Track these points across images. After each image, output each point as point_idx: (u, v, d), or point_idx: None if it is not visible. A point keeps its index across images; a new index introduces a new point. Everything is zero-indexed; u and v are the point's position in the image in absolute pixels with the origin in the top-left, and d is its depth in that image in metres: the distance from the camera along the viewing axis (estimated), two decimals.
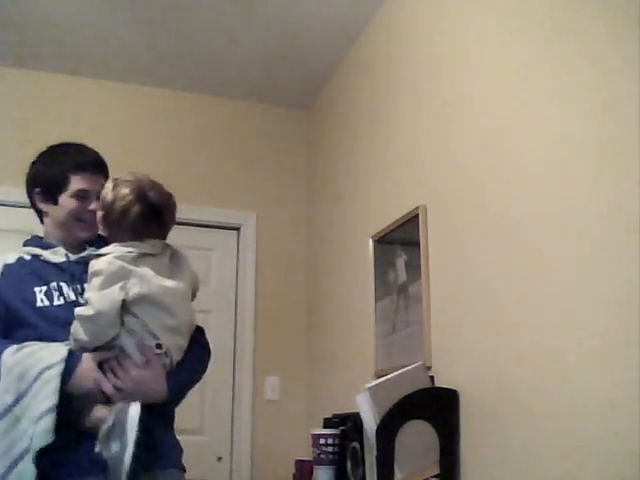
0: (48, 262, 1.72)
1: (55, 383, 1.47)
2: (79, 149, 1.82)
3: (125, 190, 1.64)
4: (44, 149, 1.83)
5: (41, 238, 1.80)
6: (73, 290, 1.68)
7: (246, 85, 3.58)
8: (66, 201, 1.74)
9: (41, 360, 1.50)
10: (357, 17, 2.98)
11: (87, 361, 1.54)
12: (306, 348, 3.49)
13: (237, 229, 3.60)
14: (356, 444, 2.26)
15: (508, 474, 1.75)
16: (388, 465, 1.87)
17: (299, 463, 2.76)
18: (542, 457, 1.63)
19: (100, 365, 1.55)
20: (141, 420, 1.46)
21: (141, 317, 1.58)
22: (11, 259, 1.72)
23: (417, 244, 2.30)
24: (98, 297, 1.53)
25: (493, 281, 1.90)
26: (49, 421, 1.43)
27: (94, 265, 1.59)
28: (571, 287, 1.58)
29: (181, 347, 1.66)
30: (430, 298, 2.22)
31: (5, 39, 3.14)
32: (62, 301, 1.65)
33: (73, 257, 1.74)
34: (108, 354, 1.56)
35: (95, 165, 1.79)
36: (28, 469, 1.41)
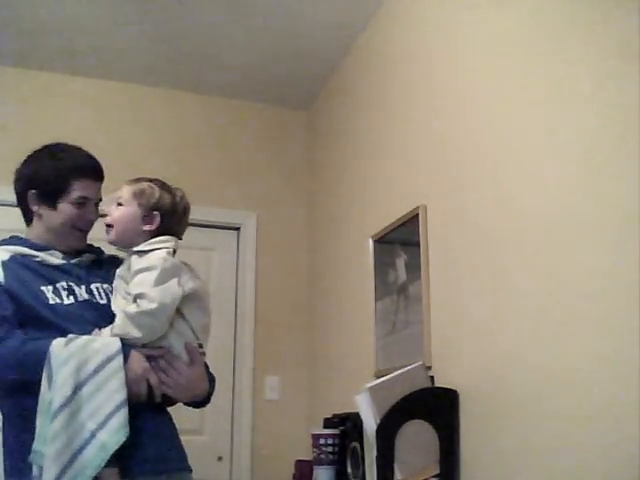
0: (46, 264, 1.67)
1: (121, 376, 1.48)
2: (79, 153, 1.77)
3: (177, 192, 1.75)
4: (39, 148, 1.77)
5: (25, 239, 1.74)
6: (86, 290, 1.67)
7: (246, 85, 3.58)
8: (66, 208, 1.70)
9: (98, 352, 1.49)
10: (356, 18, 2.97)
11: (136, 354, 1.55)
12: (306, 348, 3.48)
13: (237, 229, 3.60)
14: (356, 444, 2.26)
15: (508, 474, 1.75)
16: (388, 465, 1.87)
17: (299, 463, 2.76)
18: (542, 457, 1.63)
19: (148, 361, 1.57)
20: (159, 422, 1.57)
21: (187, 316, 1.62)
22: (4, 256, 1.65)
23: (417, 244, 2.30)
24: (159, 291, 1.54)
25: (493, 281, 1.90)
26: (123, 415, 1.45)
27: (143, 261, 1.60)
28: (571, 287, 1.58)
29: (205, 342, 1.72)
30: (430, 298, 2.22)
31: (5, 39, 3.14)
32: (72, 300, 1.63)
33: (73, 260, 1.72)
34: (155, 351, 1.58)
35: (96, 171, 1.77)
36: (93, 461, 1.42)
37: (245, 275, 3.51)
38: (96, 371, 1.47)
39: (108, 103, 3.50)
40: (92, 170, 1.76)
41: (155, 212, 1.69)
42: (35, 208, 1.73)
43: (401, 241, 2.49)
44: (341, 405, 2.64)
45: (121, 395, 1.46)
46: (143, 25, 3.07)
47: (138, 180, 1.74)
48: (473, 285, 1.99)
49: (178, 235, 1.74)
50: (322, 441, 2.44)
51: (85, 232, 1.76)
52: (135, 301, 1.55)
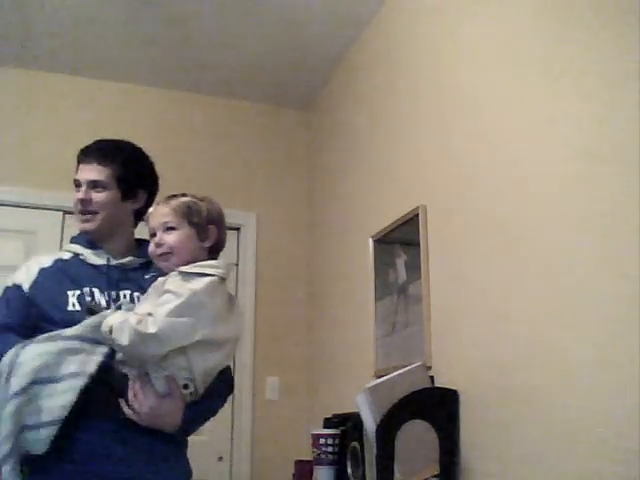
0: (88, 263, 1.69)
1: (72, 396, 1.45)
2: (89, 144, 1.79)
3: (212, 200, 1.69)
4: None
5: (84, 236, 1.75)
6: (107, 296, 1.64)
7: (246, 85, 3.58)
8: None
9: (72, 362, 1.48)
10: (357, 17, 2.97)
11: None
12: (306, 348, 3.48)
13: (237, 229, 3.60)
14: (356, 444, 2.26)
15: (508, 474, 1.75)
16: (388, 465, 1.87)
17: (299, 463, 2.76)
18: (542, 457, 1.62)
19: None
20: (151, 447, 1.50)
21: (189, 354, 1.50)
22: (48, 262, 1.68)
23: (417, 244, 2.30)
24: (167, 322, 1.44)
25: (493, 281, 1.90)
26: (51, 432, 1.43)
27: (179, 284, 1.49)
28: (572, 287, 1.58)
29: (207, 383, 1.60)
30: (430, 298, 2.22)
31: (6, 39, 3.14)
32: None
33: (114, 261, 1.71)
34: (131, 372, 1.51)
35: (85, 153, 1.75)
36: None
37: (245, 275, 3.51)
38: (59, 380, 1.46)
39: (108, 103, 3.50)
40: (82, 153, 1.75)
41: (210, 226, 1.62)
42: None
43: (401, 241, 2.49)
44: (341, 405, 2.64)
45: (62, 412, 1.44)
46: (143, 25, 3.07)
47: (173, 197, 1.66)
48: (473, 285, 1.99)
49: (224, 245, 1.68)
50: (322, 441, 2.44)
51: (83, 213, 1.71)
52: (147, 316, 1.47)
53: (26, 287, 1.63)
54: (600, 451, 1.45)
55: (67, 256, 1.72)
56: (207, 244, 1.61)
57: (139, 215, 1.82)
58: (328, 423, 2.60)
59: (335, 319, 3.15)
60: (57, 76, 3.43)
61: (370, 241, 2.72)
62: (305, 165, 3.77)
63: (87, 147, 1.78)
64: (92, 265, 1.69)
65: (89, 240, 1.73)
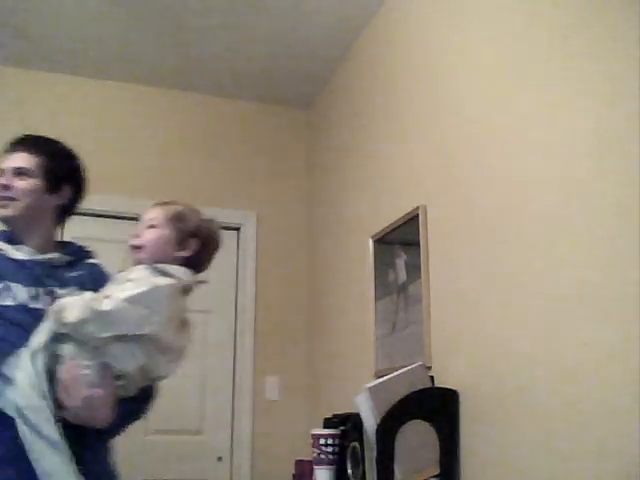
0: (8, 257, 1.61)
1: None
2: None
3: (216, 223, 1.65)
4: None
5: (6, 232, 1.68)
6: (27, 292, 1.56)
7: (246, 85, 3.58)
8: None
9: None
10: (357, 17, 2.98)
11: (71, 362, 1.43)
12: (306, 348, 3.48)
13: (237, 229, 3.60)
14: (356, 444, 2.26)
15: (508, 474, 1.75)
16: (388, 465, 1.87)
17: (299, 463, 2.76)
18: (542, 457, 1.62)
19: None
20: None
21: (131, 349, 1.45)
22: None
23: (417, 244, 2.30)
24: (123, 306, 1.40)
25: (493, 281, 1.90)
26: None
27: (144, 275, 1.46)
28: (572, 287, 1.58)
29: (139, 385, 1.54)
30: (430, 298, 2.22)
31: (5, 39, 3.14)
32: (10, 302, 1.54)
33: (39, 257, 1.63)
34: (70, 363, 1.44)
35: (12, 144, 1.71)
36: None
37: (245, 275, 3.51)
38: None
39: (108, 103, 3.50)
40: (11, 144, 1.71)
41: (193, 239, 1.58)
42: None
43: (401, 241, 2.49)
44: (341, 405, 2.64)
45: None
46: (143, 25, 3.07)
47: (172, 202, 1.63)
48: (473, 285, 1.99)
49: (203, 268, 1.64)
50: (322, 441, 2.44)
51: (3, 199, 1.63)
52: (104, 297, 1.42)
53: None
54: (600, 451, 1.45)
55: None
56: (183, 254, 1.57)
57: (63, 213, 1.75)
58: (328, 423, 2.59)
59: (335, 319, 3.15)
60: (57, 76, 3.43)
61: (370, 241, 2.72)
62: (305, 165, 3.77)
63: (17, 138, 1.73)
64: (13, 259, 1.61)
65: (8, 236, 1.66)
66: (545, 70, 1.76)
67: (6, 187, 1.64)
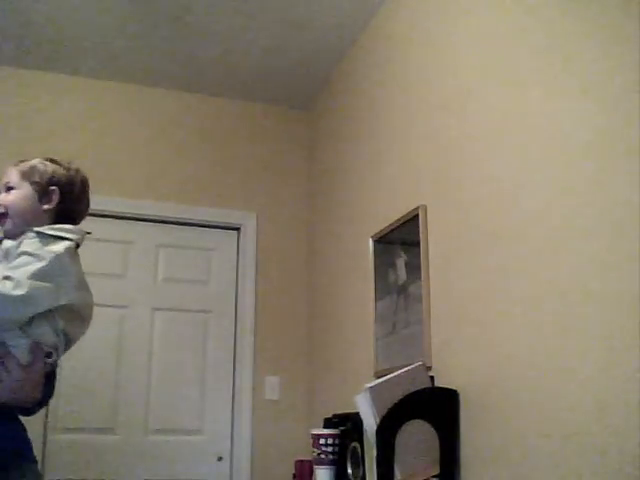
0: None
1: None
2: None
3: (72, 165, 1.57)
4: None
5: None
6: None
7: (246, 85, 3.58)
8: None
9: None
10: (357, 17, 2.98)
11: None
12: (306, 348, 3.49)
13: (237, 229, 3.60)
14: (356, 444, 2.26)
15: (508, 474, 1.75)
16: (388, 465, 1.87)
17: (299, 463, 2.76)
18: (542, 457, 1.62)
19: None
20: None
21: (56, 322, 1.43)
22: None
23: (417, 244, 2.30)
24: (32, 285, 1.35)
25: (493, 281, 1.90)
26: None
27: (37, 246, 1.41)
28: (572, 287, 1.58)
29: (64, 352, 1.53)
30: (430, 298, 2.22)
31: (5, 39, 3.14)
32: None
33: None
34: None
35: None
36: None
37: (245, 275, 3.51)
38: None
39: (108, 103, 3.50)
40: None
41: (52, 187, 1.53)
42: None
43: (401, 241, 2.49)
44: (341, 405, 2.64)
45: None
46: (143, 25, 3.07)
47: (24, 160, 1.57)
48: (473, 285, 1.99)
49: (80, 216, 1.58)
50: (322, 441, 2.44)
51: None
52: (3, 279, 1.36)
53: None
54: (600, 451, 1.45)
55: None
56: (47, 207, 1.52)
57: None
58: (328, 423, 2.60)
59: (335, 319, 3.15)
60: (57, 76, 3.43)
61: (370, 241, 2.72)
62: (305, 165, 3.77)
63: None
64: None
65: None
66: (546, 70, 1.76)
67: None
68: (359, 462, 2.22)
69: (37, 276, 1.37)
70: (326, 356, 3.23)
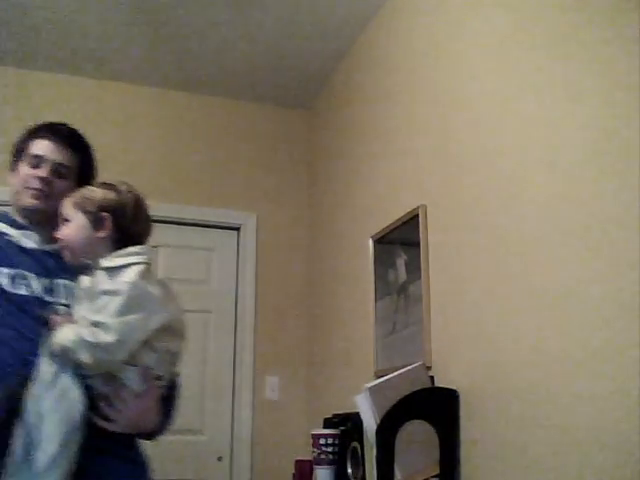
0: (17, 244, 1.56)
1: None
2: (51, 122, 1.68)
3: (121, 186, 1.53)
4: None
5: (7, 216, 1.63)
6: (42, 284, 1.52)
7: (246, 85, 3.58)
8: (22, 168, 1.60)
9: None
10: (357, 17, 2.97)
11: None
12: (306, 348, 3.48)
13: (237, 229, 3.60)
14: (356, 444, 2.26)
15: (508, 474, 1.75)
16: (388, 465, 1.87)
17: (299, 463, 2.76)
18: (542, 457, 1.62)
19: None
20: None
21: (154, 347, 1.42)
22: None
23: (417, 244, 2.30)
24: (120, 324, 1.34)
25: (493, 281, 1.90)
26: None
27: (110, 281, 1.39)
28: (572, 287, 1.58)
29: (171, 372, 1.53)
30: (430, 298, 2.22)
31: (5, 39, 3.14)
32: (24, 291, 1.49)
33: (47, 247, 1.57)
34: (104, 389, 1.40)
35: (53, 131, 1.64)
36: None
37: (245, 275, 3.51)
38: None
39: (108, 103, 3.50)
40: (48, 130, 1.64)
41: (104, 214, 1.48)
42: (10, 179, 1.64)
43: (401, 241, 2.49)
44: (341, 405, 2.64)
45: None
46: (143, 25, 3.07)
47: (79, 189, 1.56)
48: (473, 285, 1.99)
49: (142, 236, 1.53)
50: (322, 441, 2.44)
51: (39, 191, 1.58)
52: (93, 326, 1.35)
53: None
54: (600, 451, 1.45)
55: None
56: (102, 235, 1.48)
57: None
58: (328, 423, 2.60)
59: (335, 319, 3.15)
60: (57, 76, 3.43)
61: (370, 241, 2.72)
62: (305, 165, 3.77)
63: (54, 126, 1.66)
64: (23, 248, 1.55)
65: (11, 220, 1.60)
66: (546, 71, 1.76)
67: (46, 182, 1.59)
68: (359, 462, 2.22)
69: (121, 312, 1.35)
70: (326, 356, 3.23)
